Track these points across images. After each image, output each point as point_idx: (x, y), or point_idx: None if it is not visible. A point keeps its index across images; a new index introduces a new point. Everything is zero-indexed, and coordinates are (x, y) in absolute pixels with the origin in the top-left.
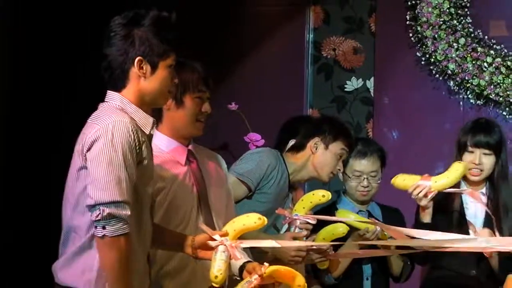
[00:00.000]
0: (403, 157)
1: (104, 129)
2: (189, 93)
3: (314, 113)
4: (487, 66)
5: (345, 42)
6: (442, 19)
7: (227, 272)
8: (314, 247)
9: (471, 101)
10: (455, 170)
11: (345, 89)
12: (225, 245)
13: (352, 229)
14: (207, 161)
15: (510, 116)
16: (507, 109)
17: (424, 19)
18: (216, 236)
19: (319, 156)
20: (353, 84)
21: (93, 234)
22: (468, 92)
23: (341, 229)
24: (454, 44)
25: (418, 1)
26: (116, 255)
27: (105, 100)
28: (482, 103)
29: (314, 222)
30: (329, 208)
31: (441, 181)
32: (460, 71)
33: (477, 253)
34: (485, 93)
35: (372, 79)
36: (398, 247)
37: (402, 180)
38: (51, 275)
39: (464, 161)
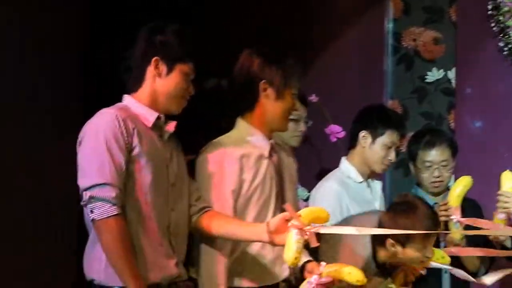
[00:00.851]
0: (485, 148)
1: (90, 121)
2: (290, 89)
3: (394, 104)
4: None
5: (425, 32)
6: None
7: (301, 255)
8: None
9: None
10: None
11: (426, 80)
12: (302, 229)
13: None
14: (284, 157)
15: None
16: None
17: (506, 8)
18: (294, 221)
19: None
20: (434, 74)
21: None
22: None
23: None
24: None
25: None
26: (108, 237)
27: None
28: None
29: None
30: None
31: None
32: None
33: None
34: None
35: (453, 69)
36: None
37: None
38: None
39: None
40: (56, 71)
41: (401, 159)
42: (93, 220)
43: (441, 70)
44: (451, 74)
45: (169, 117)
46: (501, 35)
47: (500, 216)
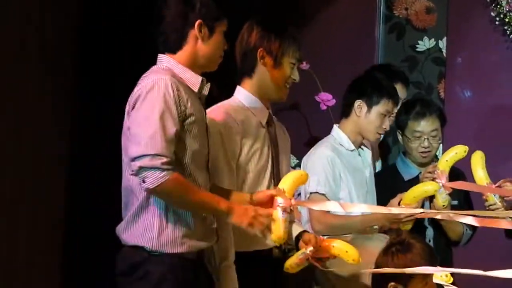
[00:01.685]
0: (475, 118)
1: (144, 88)
2: (288, 58)
3: None
4: None
5: (418, 1)
6: None
7: (287, 232)
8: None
9: None
10: None
11: (417, 49)
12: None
13: None
14: (279, 129)
15: None
16: None
17: None
18: (280, 198)
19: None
20: (425, 44)
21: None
22: None
23: (432, 187)
24: None
25: None
26: (170, 199)
27: (156, 63)
28: None
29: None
30: (388, 171)
31: None
32: None
33: None
34: None
35: (444, 39)
36: None
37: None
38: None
39: None
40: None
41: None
42: (147, 188)
43: (432, 40)
44: (442, 44)
45: None
46: (493, 5)
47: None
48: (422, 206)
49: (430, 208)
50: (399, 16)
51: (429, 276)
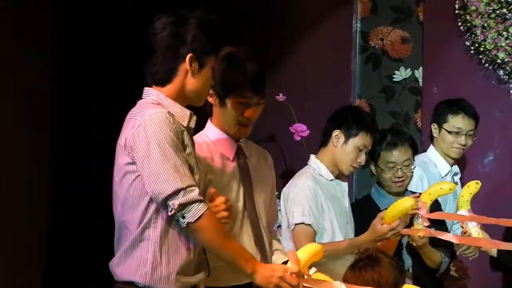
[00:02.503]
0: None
1: (146, 123)
2: (232, 97)
3: (362, 103)
4: None
5: (393, 31)
6: (492, 8)
7: None
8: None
9: None
10: None
11: (394, 79)
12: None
13: None
14: (255, 157)
15: None
16: None
17: (473, 8)
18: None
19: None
20: (401, 74)
21: (144, 227)
22: None
23: (409, 203)
24: (504, 32)
25: None
26: (207, 235)
27: (142, 97)
28: None
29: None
30: (364, 201)
31: None
32: (510, 60)
33: None
34: None
35: (420, 68)
36: None
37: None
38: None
39: None
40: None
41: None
42: (187, 224)
43: (409, 69)
44: (419, 73)
45: None
46: (468, 34)
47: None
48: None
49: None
50: (375, 46)
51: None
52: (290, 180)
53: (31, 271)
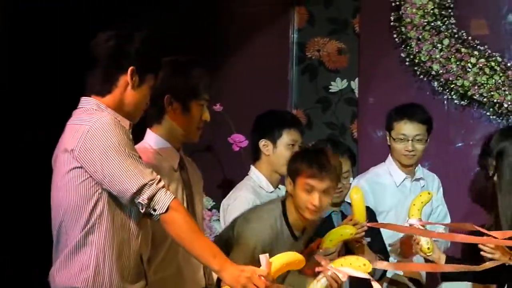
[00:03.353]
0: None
1: (96, 127)
2: (196, 100)
3: (298, 113)
4: (471, 67)
5: (330, 43)
6: (426, 20)
7: None
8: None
9: (455, 101)
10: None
11: (330, 90)
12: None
13: None
14: (191, 168)
15: (494, 117)
16: (491, 109)
17: (408, 20)
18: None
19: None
20: (337, 85)
21: (87, 232)
22: (453, 92)
23: (349, 231)
24: (438, 45)
25: (402, 2)
26: (179, 226)
27: (79, 106)
28: (466, 103)
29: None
30: None
31: None
32: (444, 71)
33: None
34: (469, 93)
35: (356, 79)
36: None
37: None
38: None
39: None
40: None
41: None
42: (158, 216)
43: (345, 80)
44: (355, 84)
45: None
46: (403, 46)
47: None
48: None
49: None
50: (312, 57)
51: (317, 187)
52: (230, 192)
53: None
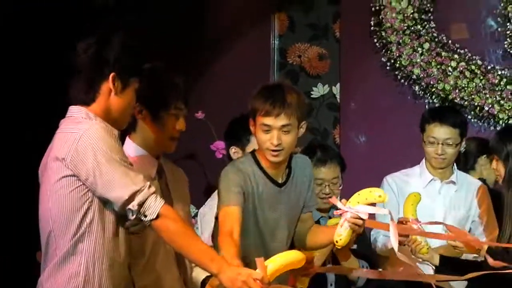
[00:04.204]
0: (370, 162)
1: (86, 135)
2: (166, 110)
3: None
4: (451, 71)
5: (311, 48)
6: (406, 24)
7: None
8: None
9: (436, 105)
10: None
11: (312, 96)
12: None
13: None
14: (172, 176)
15: (474, 120)
16: (472, 112)
17: (388, 24)
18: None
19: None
20: (319, 90)
21: (77, 240)
22: (434, 96)
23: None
24: (419, 49)
25: (382, 7)
26: (172, 232)
27: (68, 115)
28: None
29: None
30: None
31: None
32: (425, 75)
33: None
34: (450, 97)
35: (338, 85)
36: None
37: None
38: None
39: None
40: None
41: None
42: (150, 222)
43: (326, 86)
44: (336, 90)
45: None
46: (384, 50)
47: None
48: None
49: None
50: (293, 63)
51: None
52: (207, 200)
53: None
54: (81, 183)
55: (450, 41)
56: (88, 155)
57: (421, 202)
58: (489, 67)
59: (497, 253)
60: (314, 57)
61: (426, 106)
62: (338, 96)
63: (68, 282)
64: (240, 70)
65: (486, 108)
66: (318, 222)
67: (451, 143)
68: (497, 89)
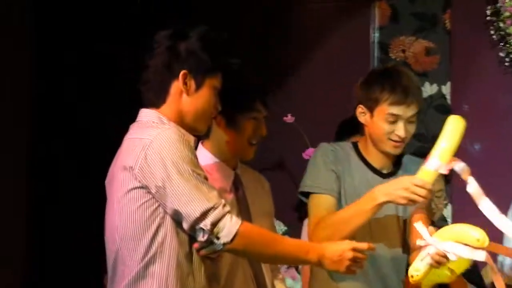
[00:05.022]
0: (486, 172)
1: (156, 141)
2: (245, 113)
3: None
4: None
5: (416, 42)
6: None
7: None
8: None
9: None
10: None
11: None
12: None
13: None
14: (252, 185)
15: None
16: None
17: (507, 13)
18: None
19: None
20: (426, 90)
21: (148, 262)
22: None
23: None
24: None
25: None
26: (251, 251)
27: (138, 119)
28: None
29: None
30: None
31: None
32: None
33: None
34: None
35: (448, 84)
36: None
37: None
38: None
39: None
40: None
41: None
42: (224, 246)
43: (435, 85)
44: (446, 89)
45: None
46: (502, 44)
47: None
48: None
49: None
50: (396, 59)
51: (399, 116)
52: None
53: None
54: (150, 197)
55: None
56: (158, 164)
57: None
58: None
59: None
60: (421, 51)
61: None
62: (448, 97)
63: None
64: (334, 67)
65: None
66: None
67: None
68: None
